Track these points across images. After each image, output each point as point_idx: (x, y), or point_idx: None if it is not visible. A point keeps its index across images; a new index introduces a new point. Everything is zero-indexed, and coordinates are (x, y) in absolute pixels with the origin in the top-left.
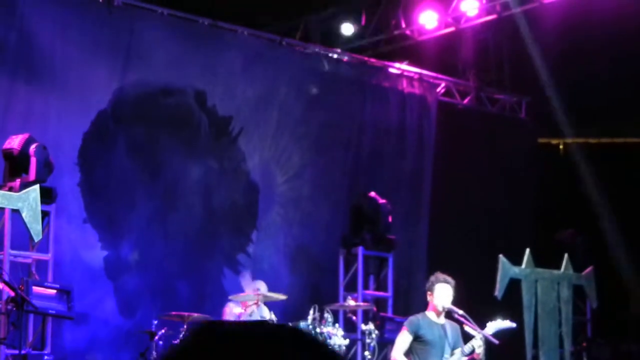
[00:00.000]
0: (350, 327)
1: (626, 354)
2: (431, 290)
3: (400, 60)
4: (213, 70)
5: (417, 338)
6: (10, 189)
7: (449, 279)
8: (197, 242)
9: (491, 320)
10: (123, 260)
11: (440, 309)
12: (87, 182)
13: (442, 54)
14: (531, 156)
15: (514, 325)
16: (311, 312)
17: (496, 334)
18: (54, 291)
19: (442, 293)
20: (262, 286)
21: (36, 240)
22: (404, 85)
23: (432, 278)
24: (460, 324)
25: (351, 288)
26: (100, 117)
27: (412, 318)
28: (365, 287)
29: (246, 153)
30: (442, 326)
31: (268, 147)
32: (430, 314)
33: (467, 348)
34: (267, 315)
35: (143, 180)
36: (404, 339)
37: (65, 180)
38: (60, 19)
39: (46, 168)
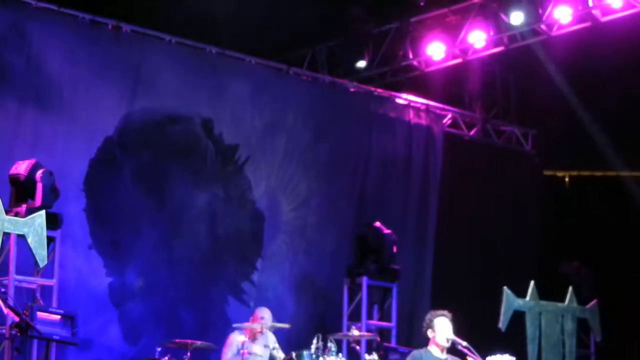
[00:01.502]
0: (353, 357)
1: None
2: (431, 326)
3: (407, 91)
4: (220, 99)
5: None
6: (16, 214)
7: (446, 312)
8: (202, 270)
9: (492, 353)
10: (128, 287)
11: (444, 342)
12: (93, 208)
13: (449, 85)
14: (537, 188)
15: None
16: (315, 341)
17: None
18: (58, 317)
19: (443, 326)
20: (266, 314)
21: (41, 266)
22: (411, 115)
23: (429, 315)
24: (464, 356)
25: (355, 318)
26: (106, 143)
27: (415, 353)
28: (369, 317)
29: (252, 181)
30: None
31: (274, 176)
32: (433, 349)
33: None
34: (272, 343)
35: (148, 207)
36: None
37: (71, 206)
38: (69, 45)
39: (52, 194)
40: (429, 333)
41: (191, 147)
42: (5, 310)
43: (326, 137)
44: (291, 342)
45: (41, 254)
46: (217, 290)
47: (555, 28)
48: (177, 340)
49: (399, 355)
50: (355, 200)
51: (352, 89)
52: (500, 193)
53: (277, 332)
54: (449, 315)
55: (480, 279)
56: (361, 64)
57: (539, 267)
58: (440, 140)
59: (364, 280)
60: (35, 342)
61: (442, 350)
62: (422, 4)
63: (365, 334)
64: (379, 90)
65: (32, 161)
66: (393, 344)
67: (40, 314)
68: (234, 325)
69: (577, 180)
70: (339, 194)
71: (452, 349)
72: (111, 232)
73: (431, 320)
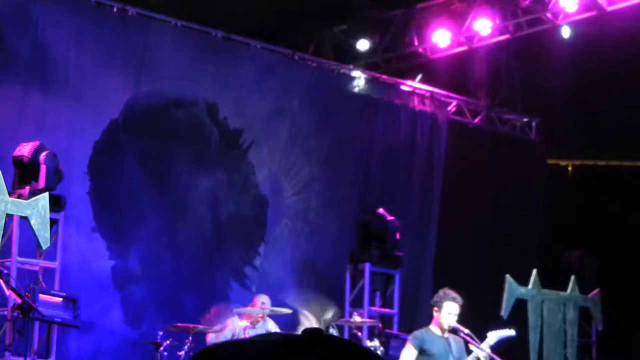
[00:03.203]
0: None
1: None
2: (439, 306)
3: (412, 78)
4: (225, 83)
5: (421, 352)
6: (20, 196)
7: (458, 297)
8: (205, 254)
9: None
10: (130, 271)
11: (446, 327)
12: (97, 191)
13: (454, 72)
14: (540, 177)
15: (513, 333)
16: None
17: (498, 344)
18: (61, 299)
19: (450, 311)
20: (266, 300)
21: (44, 248)
22: (415, 102)
23: (441, 293)
24: (466, 342)
25: (357, 304)
26: (111, 126)
27: (416, 333)
28: (372, 303)
29: (256, 166)
30: (446, 339)
31: (278, 161)
32: (434, 328)
33: (471, 359)
34: (273, 329)
35: (152, 191)
36: (408, 354)
37: (74, 189)
38: (75, 29)
39: (56, 176)
40: (435, 311)
41: (195, 131)
42: (8, 292)
43: (330, 123)
44: (293, 327)
45: (44, 236)
46: (219, 275)
47: (561, 17)
48: (179, 324)
49: (401, 342)
50: (358, 186)
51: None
52: (504, 181)
53: (278, 318)
54: (460, 301)
55: (483, 267)
56: (364, 44)
57: (541, 256)
58: (445, 127)
59: (367, 267)
60: (37, 324)
61: (443, 332)
62: None
63: (367, 320)
64: (384, 76)
65: (36, 143)
66: (395, 330)
67: (43, 296)
68: (235, 310)
69: (580, 169)
70: (342, 180)
71: (455, 332)
72: (114, 215)
73: (441, 300)
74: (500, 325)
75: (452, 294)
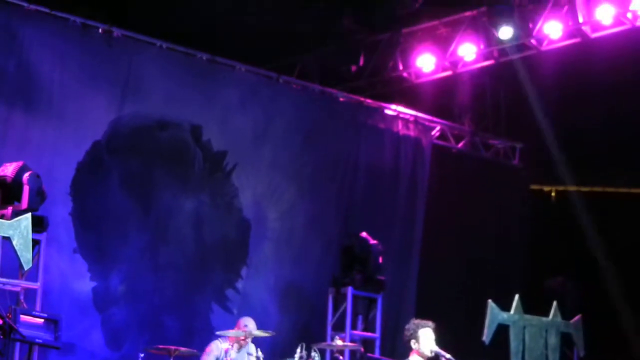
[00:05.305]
0: None
1: None
2: (415, 337)
3: (397, 102)
4: (210, 105)
5: None
6: (2, 217)
7: (429, 322)
8: (187, 276)
9: None
10: (112, 292)
11: (429, 353)
12: (79, 212)
13: (438, 97)
14: (523, 202)
15: None
16: (298, 350)
17: None
18: (42, 320)
19: (428, 337)
20: (250, 323)
21: (26, 269)
22: (399, 127)
23: (412, 326)
24: None
25: (339, 328)
26: (95, 147)
27: None
28: (354, 327)
29: (239, 189)
30: None
31: (261, 184)
32: (414, 359)
33: None
34: (254, 352)
35: (135, 212)
36: None
37: (57, 210)
38: (60, 49)
39: (39, 197)
40: (413, 344)
41: (179, 153)
42: None
43: (314, 146)
44: (275, 351)
45: (26, 257)
46: (201, 297)
47: (545, 43)
48: (160, 347)
49: None
50: (341, 210)
51: (341, 99)
52: (487, 206)
53: (260, 341)
54: (433, 325)
55: (465, 292)
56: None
57: (524, 281)
58: (428, 152)
59: (349, 290)
60: (17, 345)
61: None
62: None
63: (349, 344)
64: (369, 100)
65: (19, 163)
66: (377, 354)
67: (24, 317)
68: (217, 332)
69: (563, 195)
70: (325, 203)
71: (436, 358)
72: (96, 236)
73: (415, 331)
74: (481, 350)
75: (422, 321)
